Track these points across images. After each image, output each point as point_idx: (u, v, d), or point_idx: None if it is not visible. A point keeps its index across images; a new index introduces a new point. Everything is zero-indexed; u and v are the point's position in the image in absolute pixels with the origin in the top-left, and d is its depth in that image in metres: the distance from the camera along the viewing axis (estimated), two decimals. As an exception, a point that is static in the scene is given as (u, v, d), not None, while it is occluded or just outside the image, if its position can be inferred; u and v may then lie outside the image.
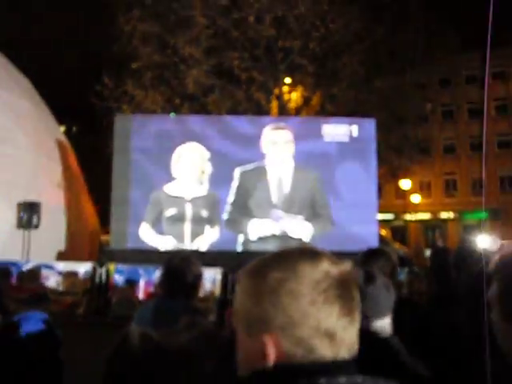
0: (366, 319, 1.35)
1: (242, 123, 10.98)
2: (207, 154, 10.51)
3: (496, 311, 0.95)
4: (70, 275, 8.52)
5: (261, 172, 10.34)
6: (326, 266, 0.68)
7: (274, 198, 10.28)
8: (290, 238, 9.94)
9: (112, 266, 8.71)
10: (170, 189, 10.35)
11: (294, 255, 0.70)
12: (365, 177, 10.69)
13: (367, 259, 2.34)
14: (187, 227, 10.22)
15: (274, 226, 10.09)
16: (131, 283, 8.22)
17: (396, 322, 1.48)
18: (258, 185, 10.28)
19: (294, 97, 15.41)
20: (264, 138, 10.37)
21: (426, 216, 28.68)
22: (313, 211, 10.30)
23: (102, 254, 10.56)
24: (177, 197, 10.29)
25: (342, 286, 0.67)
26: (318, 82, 14.68)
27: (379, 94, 14.62)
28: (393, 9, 14.46)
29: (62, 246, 10.64)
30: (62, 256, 10.16)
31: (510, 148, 26.35)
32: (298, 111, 15.05)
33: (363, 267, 1.76)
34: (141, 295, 8.06)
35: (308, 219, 10.21)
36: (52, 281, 8.13)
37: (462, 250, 3.33)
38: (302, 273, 0.67)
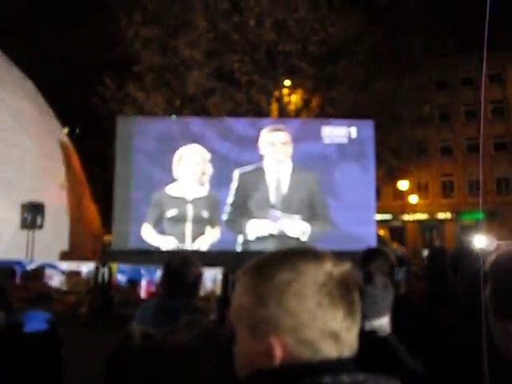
0: (365, 318, 1.37)
1: (242, 125, 11.06)
2: (208, 156, 10.58)
3: (490, 311, 0.98)
4: (73, 275, 8.63)
5: (259, 173, 10.43)
6: (329, 266, 0.69)
7: (273, 198, 10.37)
8: (288, 237, 10.04)
9: (114, 266, 8.82)
10: (171, 190, 10.42)
11: (298, 256, 0.70)
12: (363, 178, 10.78)
13: (366, 259, 2.36)
14: (188, 227, 10.29)
15: (272, 225, 10.18)
16: (133, 283, 8.34)
17: (394, 321, 1.50)
18: (257, 186, 10.37)
19: (294, 99, 15.49)
20: (262, 139, 10.47)
21: (423, 216, 28.78)
22: (311, 212, 10.39)
23: (104, 254, 10.64)
24: (178, 198, 10.36)
25: (344, 287, 0.68)
26: (318, 84, 14.77)
27: (377, 96, 14.70)
28: (391, 12, 14.57)
29: (65, 246, 10.73)
30: (65, 256, 10.25)
31: (506, 150, 26.52)
32: (297, 113, 15.13)
33: (362, 267, 1.85)
34: (143, 294, 8.18)
35: (306, 219, 10.29)
36: (55, 280, 8.24)
37: (460, 249, 3.38)
38: (307, 274, 0.67)
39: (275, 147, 10.45)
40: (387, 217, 27.56)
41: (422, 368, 1.37)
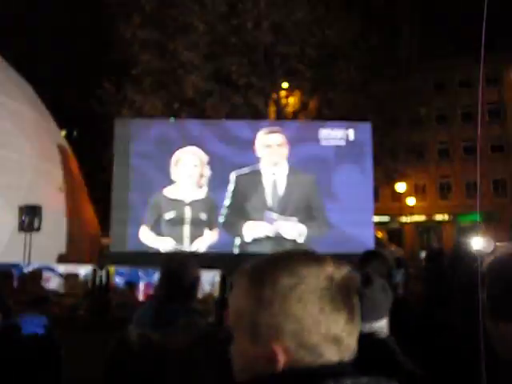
0: (364, 321, 1.35)
1: (240, 127, 11.05)
2: (206, 158, 10.58)
3: (486, 311, 1.00)
4: (71, 277, 8.59)
5: (256, 175, 10.44)
6: (330, 270, 0.68)
7: (269, 200, 10.38)
8: (285, 239, 10.04)
9: (112, 269, 8.79)
10: (169, 192, 10.41)
11: (299, 260, 0.69)
12: (361, 180, 10.78)
13: (364, 261, 2.38)
14: (186, 230, 10.28)
15: (268, 228, 10.18)
16: (131, 285, 8.30)
17: (392, 323, 1.51)
18: (254, 188, 10.38)
19: (292, 101, 15.52)
20: (258, 141, 10.48)
21: (421, 218, 28.86)
22: (308, 213, 10.39)
23: (102, 257, 10.61)
24: (176, 200, 10.35)
25: (346, 291, 0.68)
26: (315, 86, 14.80)
27: (375, 98, 14.74)
28: (388, 14, 14.63)
29: (62, 248, 10.69)
30: (62, 258, 10.21)
31: (502, 152, 26.64)
32: (295, 116, 15.15)
33: (360, 269, 1.85)
34: (141, 297, 8.15)
35: (303, 221, 10.29)
36: (53, 283, 8.20)
37: (457, 251, 3.36)
38: (310, 279, 0.67)
39: (271, 149, 10.46)
40: (385, 219, 27.61)
41: (420, 370, 1.38)
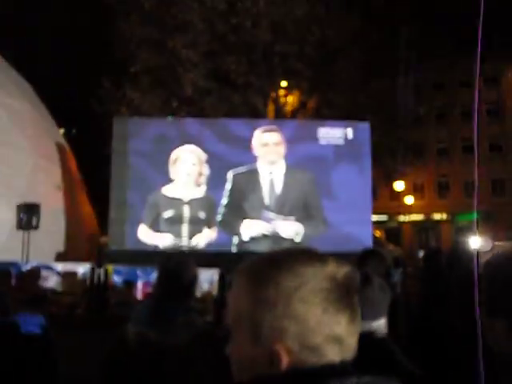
0: (363, 320, 1.33)
1: (238, 126, 11.03)
2: (204, 156, 10.57)
3: (482, 309, 1.01)
4: (69, 276, 8.59)
5: (253, 174, 10.43)
6: (333, 270, 0.68)
7: (267, 199, 10.38)
8: (282, 238, 10.05)
9: (110, 267, 8.79)
10: (167, 191, 10.39)
11: (301, 259, 0.69)
12: (360, 179, 10.78)
13: (362, 260, 2.39)
14: (185, 228, 10.27)
15: (265, 226, 10.17)
16: (129, 284, 8.30)
17: (390, 322, 1.52)
18: (251, 187, 10.37)
19: (290, 100, 15.51)
20: (255, 140, 10.47)
21: (419, 217, 28.89)
22: (306, 212, 10.39)
23: (100, 255, 10.59)
24: (174, 198, 10.33)
25: (348, 291, 0.68)
26: (314, 86, 14.79)
27: (374, 97, 14.73)
28: (388, 14, 14.62)
29: (61, 247, 10.69)
30: (60, 257, 10.21)
31: (501, 151, 26.66)
32: (294, 115, 15.14)
33: (359, 269, 1.86)
34: (139, 296, 8.14)
35: (300, 220, 10.29)
36: (51, 281, 8.20)
37: (456, 250, 3.46)
38: (313, 279, 0.66)
39: (268, 148, 10.45)
40: (383, 218, 27.63)
41: (418, 369, 1.38)
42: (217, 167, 10.51)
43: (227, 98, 13.83)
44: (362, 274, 1.52)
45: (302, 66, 13.85)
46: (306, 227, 10.28)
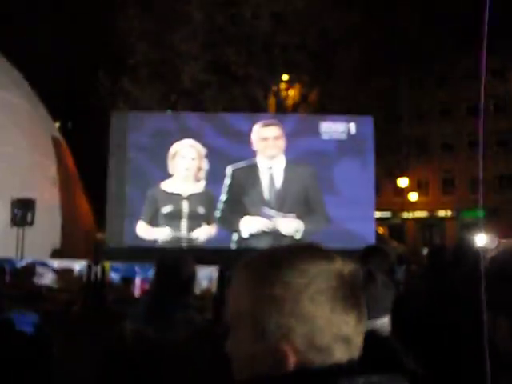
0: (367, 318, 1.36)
1: (239, 120, 10.93)
2: (204, 151, 10.46)
3: (487, 306, 1.00)
4: (65, 273, 8.46)
5: (252, 169, 10.31)
6: (340, 268, 0.67)
7: (266, 194, 10.27)
8: (282, 235, 9.93)
9: (107, 264, 8.66)
10: (166, 186, 10.31)
11: (308, 257, 0.67)
12: (363, 174, 10.66)
13: (365, 257, 2.34)
14: (184, 224, 10.20)
15: (265, 223, 10.07)
16: (127, 280, 8.17)
17: (394, 320, 1.48)
18: (250, 182, 10.27)
19: (292, 94, 15.38)
20: (254, 134, 10.34)
21: (423, 214, 28.74)
22: (307, 208, 10.29)
23: (97, 252, 10.50)
24: (173, 194, 10.26)
25: (354, 289, 0.67)
26: (315, 78, 14.64)
27: (377, 91, 14.60)
28: (390, 5, 14.45)
29: (56, 243, 10.57)
30: (56, 253, 10.09)
31: (508, 146, 26.35)
32: (295, 108, 15.01)
33: (362, 266, 1.76)
34: (137, 293, 8.02)
35: (301, 216, 10.18)
36: (47, 278, 8.08)
37: (460, 247, 3.36)
38: (321, 277, 0.65)
39: (267, 142, 10.32)
40: (387, 214, 27.49)
41: (422, 368, 1.33)
42: (216, 162, 10.41)
43: (227, 91, 13.71)
44: (365, 271, 1.50)
45: (303, 57, 13.70)
46: (307, 223, 10.15)
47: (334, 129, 10.81)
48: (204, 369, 1.63)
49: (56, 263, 8.53)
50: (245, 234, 10.13)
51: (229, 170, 10.37)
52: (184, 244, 10.15)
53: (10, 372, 2.36)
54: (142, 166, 10.42)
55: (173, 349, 1.66)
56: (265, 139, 10.36)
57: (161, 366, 1.64)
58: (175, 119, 11.24)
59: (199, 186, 10.40)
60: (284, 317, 0.64)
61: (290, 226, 10.11)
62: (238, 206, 10.19)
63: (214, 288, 7.96)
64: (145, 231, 10.16)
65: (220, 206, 10.29)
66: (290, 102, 15.23)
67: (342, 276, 0.66)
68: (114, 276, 8.38)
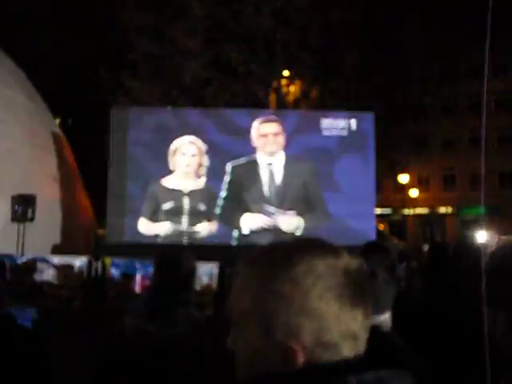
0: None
1: (240, 116, 10.89)
2: (204, 147, 10.44)
3: (488, 301, 1.00)
4: (66, 269, 8.46)
5: (252, 166, 10.28)
6: (347, 264, 0.67)
7: (266, 191, 10.26)
8: (282, 232, 9.92)
9: (108, 260, 8.66)
10: (167, 182, 10.30)
11: (316, 253, 0.67)
12: (363, 171, 10.64)
13: (366, 253, 2.34)
14: (185, 220, 10.19)
15: (265, 220, 10.06)
16: (127, 276, 8.17)
17: (395, 317, 1.49)
18: (250, 179, 10.25)
19: (293, 90, 15.32)
20: (253, 131, 10.30)
21: (424, 211, 28.71)
22: (307, 204, 10.28)
23: (97, 248, 10.50)
24: (174, 190, 10.25)
25: (361, 286, 0.67)
26: (317, 75, 14.59)
27: (378, 88, 14.55)
28: (392, 3, 14.38)
29: (57, 239, 10.57)
30: (57, 249, 10.10)
31: (510, 143, 26.24)
32: (296, 104, 14.96)
33: (364, 262, 1.74)
34: (137, 289, 8.02)
35: (301, 213, 10.17)
36: (47, 274, 8.08)
37: (461, 244, 3.38)
38: (329, 275, 0.65)
39: (267, 139, 10.29)
40: (387, 211, 27.47)
41: (423, 364, 1.34)
42: (217, 158, 10.39)
43: (228, 87, 13.65)
44: (368, 267, 1.43)
45: (305, 54, 13.63)
46: (307, 220, 10.15)
47: (334, 125, 10.78)
48: (204, 364, 1.62)
49: (56, 259, 8.54)
50: (245, 231, 10.12)
51: (228, 166, 10.36)
52: (185, 240, 10.13)
53: (8, 367, 2.35)
54: (142, 161, 10.39)
55: (173, 344, 1.66)
56: (264, 135, 10.33)
57: (161, 361, 1.64)
58: (176, 115, 11.19)
59: (200, 183, 10.39)
60: (292, 314, 0.63)
61: (291, 223, 10.10)
62: (238, 202, 10.18)
63: (214, 284, 7.97)
64: (145, 227, 10.17)
65: (220, 202, 10.28)
66: (290, 98, 15.18)
67: (349, 272, 0.66)
68: (115, 272, 8.38)
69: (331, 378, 0.61)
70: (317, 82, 14.93)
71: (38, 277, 7.44)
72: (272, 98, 14.69)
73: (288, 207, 10.18)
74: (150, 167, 10.39)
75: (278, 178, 10.34)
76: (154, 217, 10.15)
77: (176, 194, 10.23)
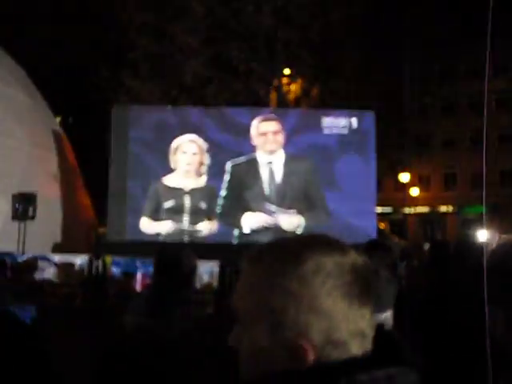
0: None
1: (240, 115, 10.89)
2: (205, 146, 10.44)
3: (489, 299, 1.01)
4: (66, 267, 8.48)
5: (252, 164, 10.28)
6: (353, 261, 0.67)
7: (267, 190, 10.26)
8: (283, 230, 9.92)
9: (109, 259, 8.66)
10: (168, 180, 10.31)
11: (323, 250, 0.66)
12: (364, 169, 10.64)
13: (369, 251, 2.33)
14: (186, 218, 10.19)
15: (266, 218, 10.06)
16: (128, 275, 8.18)
17: (396, 315, 1.50)
18: (250, 177, 10.25)
19: (293, 88, 15.31)
20: (253, 130, 10.30)
21: (424, 209, 28.71)
22: (307, 203, 10.27)
23: (98, 246, 10.50)
24: (175, 188, 10.26)
25: (368, 284, 0.67)
26: (318, 73, 14.56)
27: (379, 87, 14.53)
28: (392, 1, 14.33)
29: (57, 237, 10.58)
30: (57, 248, 10.10)
31: (510, 142, 26.22)
32: (297, 103, 14.95)
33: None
34: (138, 287, 8.02)
35: (302, 211, 10.17)
36: (48, 272, 8.09)
37: (462, 243, 3.37)
38: (338, 272, 0.65)
39: (266, 137, 10.28)
40: (388, 210, 27.48)
41: (425, 362, 1.30)
42: (218, 156, 10.39)
43: (228, 86, 13.63)
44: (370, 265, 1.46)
45: (305, 52, 13.60)
46: (307, 218, 10.15)
47: (335, 124, 10.77)
48: (205, 363, 1.63)
49: (57, 257, 8.55)
50: (246, 230, 10.12)
51: (228, 165, 10.36)
52: (186, 239, 10.14)
53: (5, 363, 2.43)
54: (143, 159, 10.40)
55: (173, 343, 1.66)
56: (263, 134, 10.33)
57: (161, 359, 1.64)
58: (176, 113, 11.18)
59: (201, 181, 10.40)
60: (302, 312, 0.63)
61: (291, 222, 10.10)
62: (238, 201, 10.18)
63: (215, 283, 7.98)
64: (147, 226, 10.18)
65: (220, 201, 10.28)
66: (291, 96, 15.17)
67: (357, 270, 0.66)
68: (115, 270, 8.39)
69: (342, 376, 0.61)
70: (317, 80, 14.92)
71: (39, 275, 7.46)
72: (273, 96, 14.68)
73: (289, 205, 10.18)
74: (151, 165, 10.39)
75: (279, 177, 10.34)
76: (156, 215, 10.16)
77: (177, 193, 10.24)
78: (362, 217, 10.14)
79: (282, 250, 0.67)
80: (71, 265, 8.59)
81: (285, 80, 15.16)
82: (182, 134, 10.45)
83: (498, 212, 20.91)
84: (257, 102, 13.77)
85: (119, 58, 13.66)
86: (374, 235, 9.84)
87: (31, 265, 7.56)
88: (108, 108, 11.19)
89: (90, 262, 8.50)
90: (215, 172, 10.33)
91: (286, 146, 10.41)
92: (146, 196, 10.22)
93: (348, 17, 13.61)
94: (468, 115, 26.13)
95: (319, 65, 14.12)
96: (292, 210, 10.15)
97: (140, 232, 10.11)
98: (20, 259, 7.70)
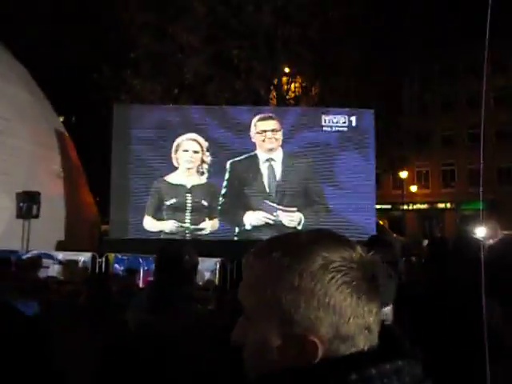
0: None
1: (241, 113, 10.94)
2: (206, 144, 10.49)
3: (487, 294, 1.01)
4: (70, 264, 8.55)
5: (252, 162, 10.36)
6: (361, 257, 0.66)
7: (267, 187, 10.35)
8: (284, 226, 10.00)
9: (112, 256, 8.76)
10: (170, 178, 10.37)
11: (331, 246, 0.66)
12: (363, 166, 10.70)
13: (369, 247, 2.35)
14: (188, 216, 10.26)
15: (267, 215, 10.14)
16: (131, 272, 8.26)
17: (396, 310, 1.52)
18: (251, 175, 10.32)
19: (293, 87, 15.32)
20: (252, 128, 10.37)
21: (423, 206, 28.78)
22: (307, 199, 10.36)
23: (101, 244, 10.57)
24: (177, 186, 10.32)
25: (375, 279, 0.67)
26: (317, 71, 14.58)
27: (379, 85, 14.55)
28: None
29: (61, 235, 10.64)
30: (61, 245, 10.17)
31: (508, 139, 26.27)
32: (297, 101, 14.98)
33: None
34: (141, 284, 8.11)
35: (301, 208, 10.25)
36: (52, 270, 8.17)
37: (460, 239, 3.39)
38: (345, 268, 0.64)
39: (265, 136, 10.35)
40: (386, 206, 27.53)
41: (423, 355, 1.37)
42: (219, 154, 10.46)
43: (229, 84, 13.65)
44: None
45: (305, 50, 13.62)
46: (307, 215, 10.23)
47: (335, 121, 10.83)
48: (206, 359, 1.61)
49: (61, 255, 8.63)
50: (247, 227, 10.20)
51: (228, 163, 10.43)
52: (187, 236, 10.22)
53: (5, 355, 2.47)
54: (145, 158, 10.45)
55: (175, 339, 1.64)
56: (262, 133, 10.41)
57: (163, 356, 1.62)
58: (178, 112, 11.23)
59: (202, 179, 10.46)
60: (312, 308, 0.63)
61: (292, 219, 10.18)
62: (239, 198, 10.26)
63: (216, 279, 8.08)
64: (149, 223, 10.25)
65: (221, 199, 10.36)
66: (291, 94, 15.19)
67: (364, 265, 0.66)
68: (118, 267, 8.48)
69: (352, 371, 0.61)
70: (317, 78, 14.94)
71: (43, 273, 7.52)
72: (273, 94, 14.71)
73: (288, 203, 10.26)
74: (153, 164, 10.45)
75: (278, 174, 10.42)
76: (158, 212, 10.23)
77: (179, 190, 10.31)
78: (362, 213, 10.24)
79: (291, 246, 0.66)
80: (75, 262, 8.67)
81: (285, 79, 15.18)
82: (183, 133, 10.51)
83: (495, 209, 21.01)
84: (257, 101, 13.80)
85: (121, 57, 13.67)
86: (373, 231, 9.93)
87: (35, 262, 7.59)
88: (110, 107, 11.23)
89: (94, 259, 8.60)
90: (216, 170, 10.40)
91: (286, 143, 10.49)
92: (148, 194, 10.28)
93: (348, 16, 13.63)
94: (467, 112, 26.19)
95: (319, 63, 14.14)
96: (292, 208, 10.23)
97: (142, 229, 10.19)
98: (24, 257, 7.76)
